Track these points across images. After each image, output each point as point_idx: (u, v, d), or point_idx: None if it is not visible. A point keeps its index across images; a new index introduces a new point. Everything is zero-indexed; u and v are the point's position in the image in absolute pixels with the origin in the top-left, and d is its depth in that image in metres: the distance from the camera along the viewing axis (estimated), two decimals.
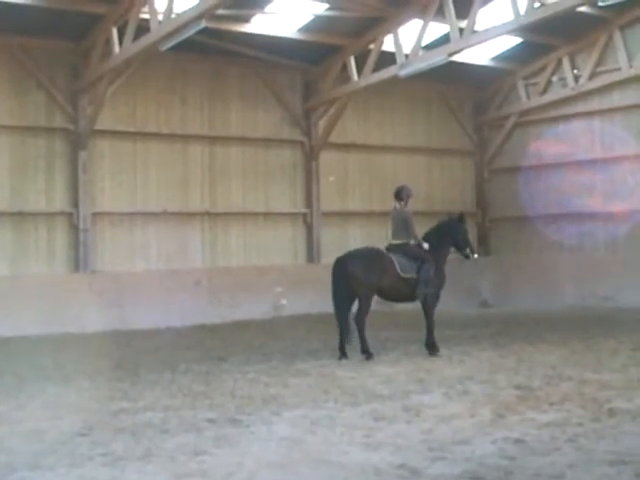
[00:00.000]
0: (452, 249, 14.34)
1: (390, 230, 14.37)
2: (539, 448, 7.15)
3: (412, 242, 13.91)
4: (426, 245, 13.88)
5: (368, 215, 23.83)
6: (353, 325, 13.32)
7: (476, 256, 14.72)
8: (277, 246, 22.27)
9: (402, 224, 13.96)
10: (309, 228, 22.75)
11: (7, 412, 9.24)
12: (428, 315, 13.76)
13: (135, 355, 14.38)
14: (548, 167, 24.52)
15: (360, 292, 13.41)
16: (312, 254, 22.66)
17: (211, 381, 11.21)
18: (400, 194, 14.27)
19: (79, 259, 19.34)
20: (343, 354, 13.16)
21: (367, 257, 13.66)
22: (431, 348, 13.50)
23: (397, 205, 14.23)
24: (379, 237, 23.63)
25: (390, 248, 13.94)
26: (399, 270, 13.50)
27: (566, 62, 23.44)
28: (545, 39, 22.57)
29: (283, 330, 18.09)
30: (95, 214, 19.65)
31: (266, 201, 22.24)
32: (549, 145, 24.51)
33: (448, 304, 22.98)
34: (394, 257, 13.62)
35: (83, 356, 14.31)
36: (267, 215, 22.26)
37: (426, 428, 7.99)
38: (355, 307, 13.57)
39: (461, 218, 14.44)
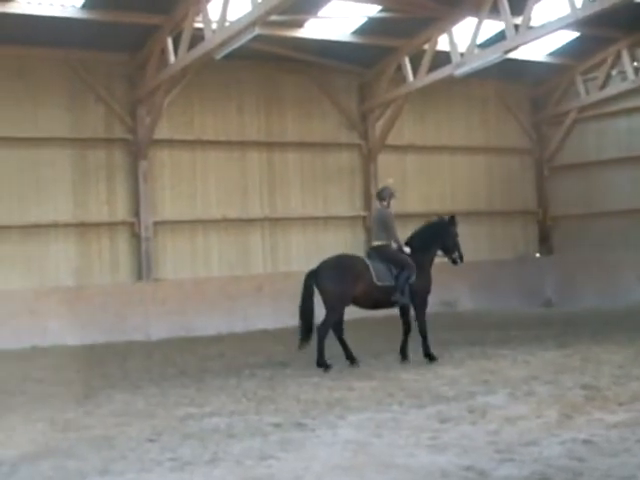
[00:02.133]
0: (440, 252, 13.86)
1: (372, 232, 13.77)
2: (608, 449, 7.04)
3: (393, 245, 13.40)
4: (407, 249, 13.33)
5: (427, 216, 23.47)
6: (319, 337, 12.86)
7: (460, 263, 13.92)
8: (337, 250, 22.00)
9: (382, 225, 13.42)
10: (369, 231, 22.70)
11: (76, 419, 9.38)
12: (420, 320, 13.29)
13: (200, 361, 14.49)
14: (610, 163, 24.18)
15: (329, 303, 12.98)
16: None
17: (275, 386, 11.25)
18: (382, 194, 13.73)
19: (142, 268, 19.58)
20: (325, 365, 12.69)
21: (338, 268, 13.11)
22: (429, 356, 13.09)
23: (379, 206, 13.75)
24: None
25: (370, 252, 13.51)
26: (375, 278, 12.95)
27: (625, 55, 23.02)
28: (603, 32, 22.20)
29: (346, 333, 18.03)
30: (156, 223, 19.88)
31: (325, 205, 22.28)
32: (610, 140, 24.17)
33: (510, 304, 22.87)
34: (371, 264, 13.08)
35: (148, 363, 14.48)
36: (327, 219, 22.29)
37: (492, 429, 7.93)
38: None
39: (452, 220, 13.93)
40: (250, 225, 21.22)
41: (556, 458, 6.83)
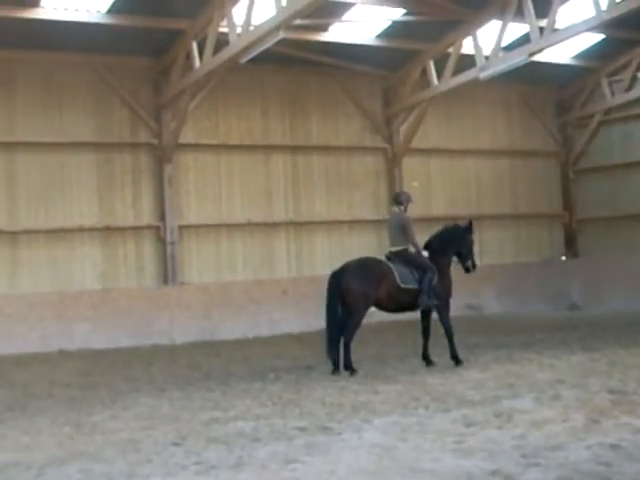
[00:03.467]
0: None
1: (388, 237, 13.72)
2: (636, 454, 6.98)
3: (411, 249, 13.34)
4: (425, 253, 13.28)
5: (452, 220, 23.49)
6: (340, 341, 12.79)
7: (473, 271, 13.86)
8: (362, 254, 21.94)
9: (399, 229, 13.33)
10: None
11: (102, 423, 9.42)
12: (445, 324, 13.28)
13: (225, 365, 14.52)
14: (636, 165, 24.03)
15: (354, 305, 12.93)
16: None
17: (301, 389, 11.25)
18: (399, 199, 13.67)
19: (167, 272, 19.67)
20: (336, 368, 12.64)
21: (363, 269, 13.08)
22: (455, 359, 13.06)
23: (396, 210, 13.65)
24: None
25: (390, 256, 13.39)
26: (399, 280, 12.92)
27: None
28: (628, 34, 22.03)
29: (371, 337, 18.02)
30: (181, 227, 19.97)
31: (350, 209, 22.29)
32: (636, 142, 24.02)
33: (536, 307, 22.79)
34: (393, 266, 13.05)
35: (174, 367, 14.53)
36: (351, 223, 22.30)
37: (518, 433, 7.88)
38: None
39: (469, 227, 13.88)
40: (275, 229, 21.26)
41: (583, 463, 6.78)
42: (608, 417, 8.40)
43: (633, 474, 6.40)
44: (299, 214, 21.58)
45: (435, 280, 13.10)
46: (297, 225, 21.55)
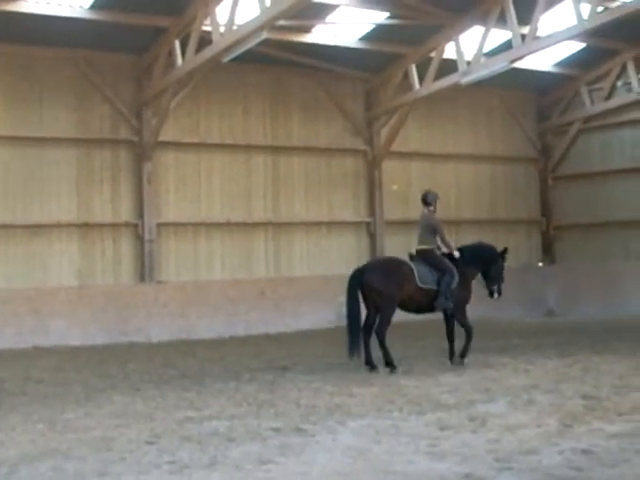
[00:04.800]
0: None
1: (415, 236, 13.88)
2: (607, 459, 7.03)
3: (444, 249, 13.54)
4: (457, 253, 13.48)
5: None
6: (362, 338, 12.95)
7: (496, 297, 14.05)
8: (341, 255, 22.28)
9: (429, 230, 13.52)
10: (372, 237, 22.75)
11: (76, 420, 9.38)
12: (465, 326, 13.46)
13: (200, 364, 14.49)
14: (613, 173, 24.19)
15: (381, 304, 12.98)
16: None
17: (276, 390, 11.24)
18: (427, 199, 13.86)
19: (144, 269, 19.60)
20: (372, 365, 12.82)
21: (386, 268, 13.27)
22: (459, 359, 13.30)
23: (425, 211, 13.84)
24: None
25: (413, 255, 13.56)
26: (418, 280, 13.06)
27: (631, 66, 23.04)
28: (609, 43, 22.24)
29: (346, 340, 18.03)
30: (160, 225, 19.91)
31: (329, 210, 22.30)
32: (614, 151, 24.19)
33: (514, 312, 22.84)
34: (414, 266, 13.19)
35: (149, 365, 14.48)
36: (330, 224, 22.30)
37: (492, 438, 7.91)
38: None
39: (503, 253, 14.04)
40: (254, 229, 21.23)
41: (555, 467, 6.82)
42: (581, 422, 8.46)
43: (605, 479, 6.46)
44: (278, 214, 21.57)
45: (454, 284, 13.26)
46: (276, 225, 21.54)
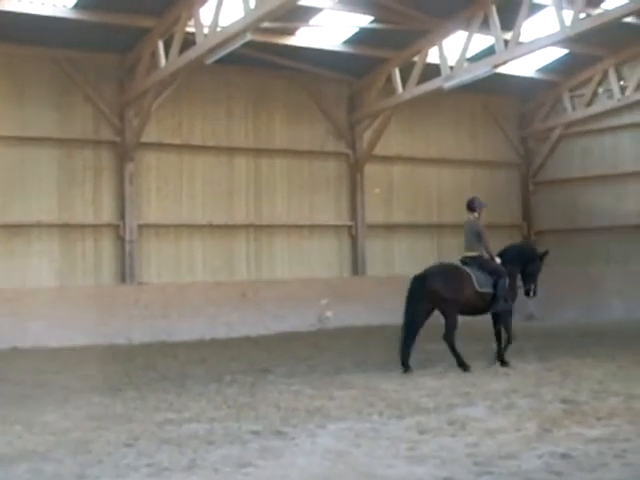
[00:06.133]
0: None
1: (463, 242, 14.23)
2: (586, 463, 7.06)
3: (485, 255, 13.93)
4: (498, 259, 13.88)
5: (413, 227, 23.80)
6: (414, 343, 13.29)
7: (532, 295, 14.51)
8: (322, 258, 22.29)
9: (475, 236, 13.91)
10: (354, 240, 22.75)
11: (54, 422, 9.32)
12: (507, 329, 13.81)
13: (181, 366, 14.45)
14: (594, 179, 24.30)
15: (445, 309, 13.36)
16: (357, 266, 22.67)
17: (256, 393, 11.22)
18: (472, 205, 14.24)
19: (125, 271, 19.53)
20: (407, 367, 13.02)
21: (446, 273, 13.59)
22: (501, 360, 13.61)
23: (470, 217, 14.20)
24: (424, 250, 23.76)
25: (465, 261, 13.89)
26: (476, 284, 13.44)
27: (612, 73, 23.20)
28: (591, 50, 22.38)
29: (328, 342, 18.07)
30: (141, 226, 19.84)
31: (311, 213, 22.28)
32: (595, 157, 24.31)
33: (486, 318, 22.82)
34: (471, 271, 13.56)
35: (129, 367, 14.42)
36: (312, 227, 22.29)
37: (471, 442, 7.93)
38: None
39: (543, 255, 14.58)
40: (235, 231, 21.19)
41: (534, 472, 6.84)
42: (560, 427, 8.49)
43: None
44: (260, 217, 21.54)
45: (507, 285, 13.69)
46: (258, 228, 21.50)
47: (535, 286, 14.36)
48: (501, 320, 13.81)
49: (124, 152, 19.60)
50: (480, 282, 13.46)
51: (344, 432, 8.50)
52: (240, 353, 16.39)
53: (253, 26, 15.54)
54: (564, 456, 7.29)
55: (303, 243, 22.11)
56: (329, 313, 21.14)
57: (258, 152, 21.61)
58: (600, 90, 23.92)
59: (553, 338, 18.15)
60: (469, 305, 13.55)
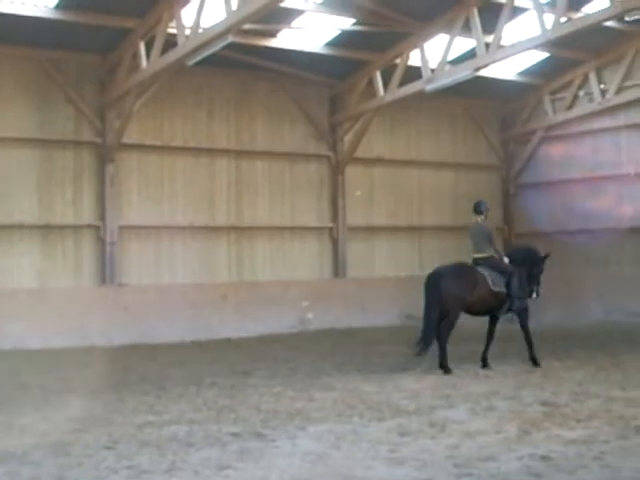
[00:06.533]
0: None
1: (471, 244, 14.47)
2: (565, 465, 7.09)
3: (494, 255, 14.18)
4: (506, 259, 14.18)
5: (394, 230, 23.83)
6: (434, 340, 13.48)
7: (535, 296, 14.78)
8: (303, 260, 22.28)
9: (485, 238, 14.18)
10: (335, 242, 22.75)
11: (33, 424, 9.28)
12: (526, 330, 14.14)
13: (161, 368, 14.41)
14: (574, 182, 24.40)
15: (450, 307, 13.51)
16: (338, 268, 22.67)
17: (236, 395, 11.21)
18: (479, 208, 14.44)
19: (105, 272, 19.43)
20: (422, 350, 13.32)
21: (460, 273, 13.83)
22: (534, 361, 13.82)
23: (478, 219, 14.39)
24: (404, 252, 23.80)
25: (477, 262, 14.12)
26: (491, 284, 13.72)
27: (593, 77, 23.33)
28: (572, 54, 22.50)
29: (309, 344, 18.07)
30: (122, 227, 19.75)
31: (292, 215, 22.26)
32: (575, 160, 24.41)
33: (474, 319, 22.87)
34: (485, 271, 13.82)
35: (109, 369, 14.37)
36: (293, 229, 22.27)
37: (452, 444, 7.95)
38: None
39: (545, 257, 14.84)
40: (216, 233, 21.14)
41: (514, 473, 6.87)
42: (540, 429, 8.53)
43: None
44: (241, 219, 21.50)
45: (519, 285, 14.06)
46: (239, 230, 21.46)
47: (538, 287, 14.68)
48: (519, 319, 14.23)
49: (105, 153, 19.52)
50: (495, 282, 13.79)
51: (324, 434, 8.50)
52: (220, 355, 16.37)
53: (235, 28, 15.52)
54: (544, 458, 7.33)
55: (284, 245, 22.08)
56: (310, 315, 21.14)
57: (239, 154, 21.57)
58: (581, 93, 24.01)
59: (533, 340, 18.14)
60: (483, 304, 13.87)
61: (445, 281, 13.54)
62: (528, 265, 14.49)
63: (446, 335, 13.48)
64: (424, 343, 13.39)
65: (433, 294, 13.51)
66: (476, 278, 13.70)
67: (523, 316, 14.20)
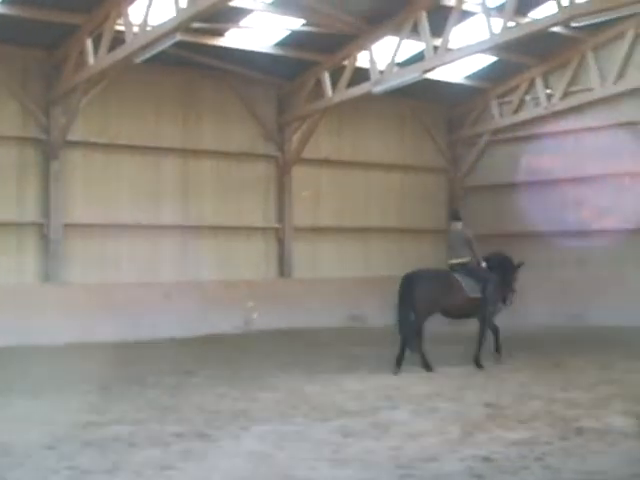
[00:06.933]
0: None
1: (449, 250, 14.75)
2: (507, 466, 7.16)
3: (472, 260, 14.32)
4: (484, 264, 14.30)
5: (340, 231, 23.88)
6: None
7: (508, 303, 15.01)
8: (248, 260, 22.23)
9: (464, 244, 14.31)
10: (281, 243, 22.74)
11: None
12: (483, 330, 14.28)
13: (103, 368, 14.26)
14: (519, 185, 24.63)
15: (419, 310, 13.59)
16: (283, 269, 22.66)
17: (180, 395, 11.15)
18: (458, 214, 14.88)
19: (49, 270, 19.20)
20: (398, 367, 13.25)
21: (435, 278, 14.03)
22: (477, 362, 13.89)
23: (458, 225, 14.59)
24: (350, 253, 23.87)
25: (453, 268, 14.23)
26: (467, 291, 13.86)
27: (539, 81, 23.64)
28: (519, 58, 22.77)
29: (253, 344, 18.04)
30: (66, 225, 19.53)
31: (238, 215, 22.19)
32: (521, 163, 24.66)
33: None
34: (460, 277, 13.94)
35: (51, 368, 14.20)
36: (239, 229, 22.21)
37: (394, 445, 7.98)
38: None
39: (519, 266, 15.08)
40: (162, 232, 21.00)
41: (456, 474, 6.92)
42: (482, 430, 8.60)
43: None
44: (187, 218, 21.38)
45: (494, 290, 14.22)
46: (185, 229, 21.35)
47: (511, 297, 14.91)
48: (482, 321, 14.28)
49: (50, 150, 19.28)
50: (471, 288, 13.92)
51: (268, 434, 8.49)
52: (164, 355, 16.27)
53: (183, 26, 15.46)
54: (486, 459, 7.39)
55: (230, 245, 22.00)
56: (255, 315, 21.08)
57: (186, 153, 21.46)
58: (527, 98, 24.31)
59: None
60: (459, 310, 14.08)
61: (419, 284, 13.64)
62: (502, 271, 14.65)
63: (419, 342, 13.62)
64: (409, 349, 13.49)
65: (406, 296, 13.59)
66: (451, 283, 13.84)
67: (490, 320, 14.34)
